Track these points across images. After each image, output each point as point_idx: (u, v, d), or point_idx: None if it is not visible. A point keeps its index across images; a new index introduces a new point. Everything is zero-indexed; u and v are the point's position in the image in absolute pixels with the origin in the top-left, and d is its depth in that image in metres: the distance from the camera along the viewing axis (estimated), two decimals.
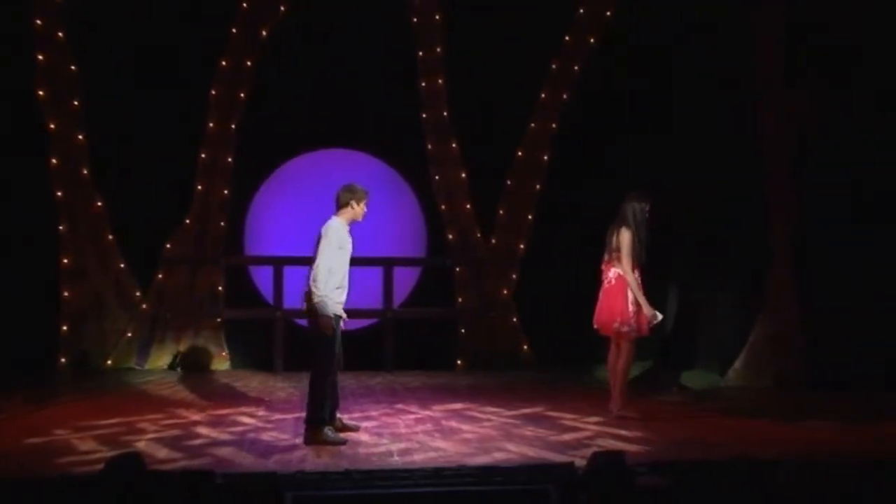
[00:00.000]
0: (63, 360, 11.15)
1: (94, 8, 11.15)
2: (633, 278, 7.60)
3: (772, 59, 9.77)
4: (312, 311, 6.61)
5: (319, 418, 6.57)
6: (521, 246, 12.06)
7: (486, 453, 6.13)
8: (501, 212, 12.05)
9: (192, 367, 11.21)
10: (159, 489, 4.67)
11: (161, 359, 11.37)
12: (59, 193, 11.26)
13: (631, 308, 7.60)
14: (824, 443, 6.57)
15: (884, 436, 6.75)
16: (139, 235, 11.34)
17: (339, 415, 6.99)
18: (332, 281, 6.61)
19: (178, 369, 11.16)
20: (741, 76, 9.99)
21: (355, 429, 7.01)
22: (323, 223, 6.81)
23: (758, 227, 9.79)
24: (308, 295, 6.66)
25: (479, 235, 12.02)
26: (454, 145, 11.94)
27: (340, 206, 6.84)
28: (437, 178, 11.99)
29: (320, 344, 6.64)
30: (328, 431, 6.54)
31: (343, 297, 6.78)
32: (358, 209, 6.85)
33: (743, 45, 9.96)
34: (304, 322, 7.43)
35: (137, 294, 11.43)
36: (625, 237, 7.62)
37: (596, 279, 8.09)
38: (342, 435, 6.69)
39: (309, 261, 6.87)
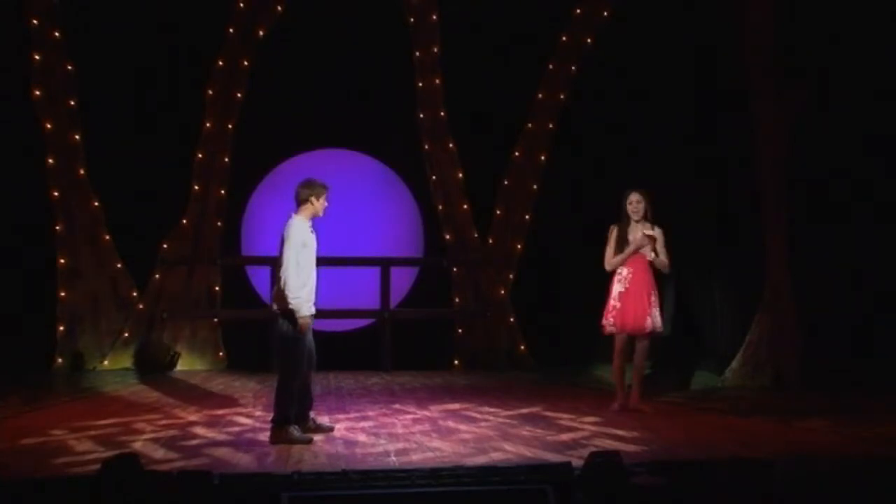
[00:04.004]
0: (59, 360, 11.13)
1: (90, 7, 11.15)
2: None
3: (764, 57, 9.78)
4: (285, 312, 6.61)
5: (285, 418, 6.58)
6: (519, 246, 12.06)
7: (484, 453, 6.12)
8: (499, 212, 12.05)
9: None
10: (156, 490, 4.66)
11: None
12: (56, 193, 11.24)
13: (655, 303, 7.72)
14: (821, 442, 6.57)
15: (881, 436, 6.75)
16: (136, 235, 11.33)
17: (311, 414, 6.96)
18: (299, 280, 6.61)
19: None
20: (735, 74, 10.00)
21: (329, 429, 6.98)
22: (285, 222, 6.80)
23: (755, 226, 9.79)
24: (278, 295, 6.65)
25: (476, 236, 12.02)
26: (451, 145, 11.94)
27: (300, 203, 6.81)
28: (434, 178, 11.99)
29: (291, 345, 6.65)
30: (294, 430, 6.56)
31: (312, 296, 6.76)
32: (318, 205, 6.82)
33: (736, 43, 9.97)
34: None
35: (134, 294, 11.42)
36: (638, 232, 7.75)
37: (592, 279, 8.11)
38: (315, 436, 6.68)
39: (276, 261, 6.87)
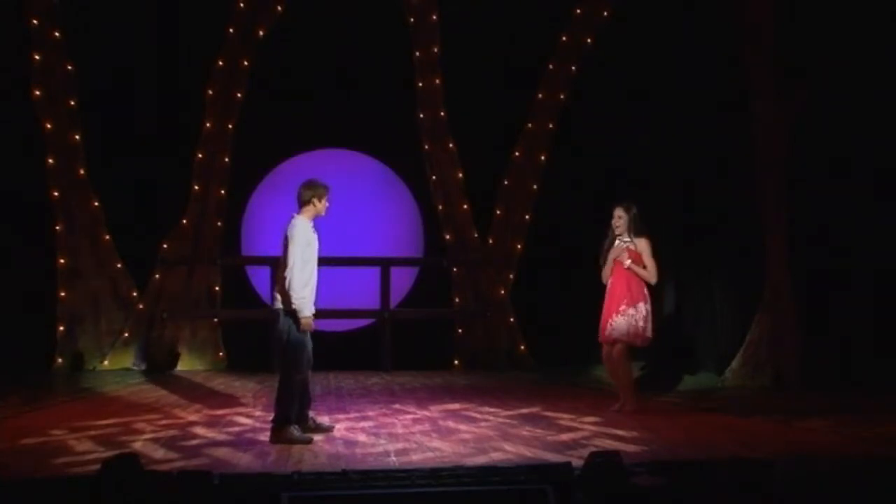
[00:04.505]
0: (59, 360, 11.13)
1: (90, 7, 11.15)
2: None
3: (764, 57, 9.78)
4: (289, 311, 6.62)
5: (286, 417, 6.58)
6: (519, 246, 12.06)
7: (484, 453, 6.12)
8: (499, 212, 12.05)
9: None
10: (156, 490, 4.66)
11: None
12: (56, 193, 11.24)
13: (624, 311, 7.77)
14: (821, 442, 6.57)
15: (881, 436, 6.75)
16: (136, 235, 11.33)
17: (311, 414, 6.96)
18: (303, 278, 6.62)
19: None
20: (735, 74, 10.00)
21: (328, 429, 6.98)
22: (288, 222, 6.80)
23: (754, 227, 9.80)
24: (282, 295, 6.65)
25: (476, 236, 12.02)
26: (451, 145, 11.95)
27: (302, 203, 6.82)
28: (434, 178, 11.99)
29: (294, 345, 6.65)
30: (294, 430, 6.56)
31: (313, 295, 6.76)
32: (320, 206, 6.84)
33: (736, 43, 9.97)
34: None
35: (134, 294, 11.42)
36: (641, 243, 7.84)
37: (592, 280, 8.12)
38: (315, 436, 6.67)
39: (277, 261, 6.88)
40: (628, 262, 7.77)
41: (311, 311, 6.66)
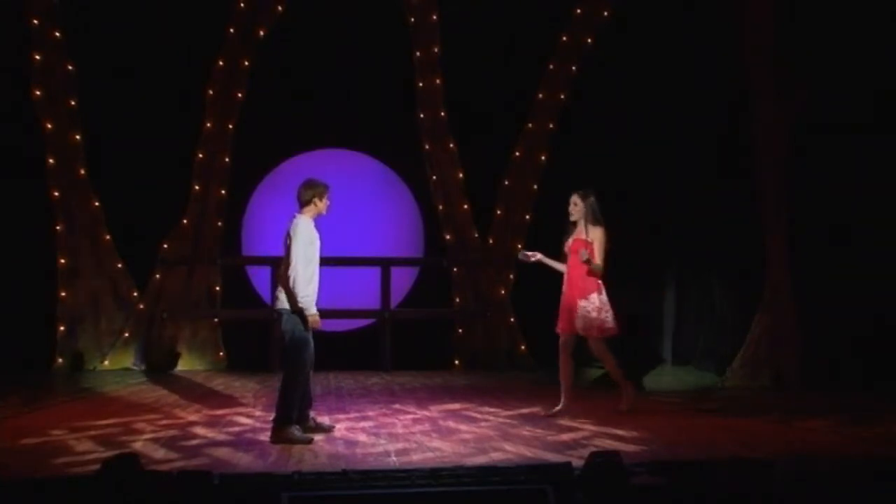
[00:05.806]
0: (59, 360, 11.13)
1: (90, 7, 11.15)
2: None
3: (764, 57, 9.79)
4: (294, 311, 6.62)
5: (288, 417, 6.58)
6: (519, 246, 12.04)
7: (484, 453, 6.12)
8: (499, 212, 12.05)
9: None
10: (156, 490, 4.66)
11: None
12: (56, 193, 11.24)
13: (582, 306, 7.70)
14: (821, 442, 6.58)
15: (881, 436, 6.76)
16: (136, 235, 11.33)
17: (311, 413, 6.96)
18: (306, 276, 6.63)
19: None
20: (735, 74, 10.00)
21: (329, 429, 6.98)
22: (290, 222, 6.80)
23: (754, 227, 9.80)
24: (286, 294, 6.65)
25: (476, 236, 12.02)
26: (451, 145, 11.94)
27: (304, 203, 6.82)
28: (434, 178, 11.99)
29: (298, 344, 6.65)
30: (295, 430, 6.56)
31: (316, 294, 6.76)
32: (321, 204, 6.85)
33: (736, 43, 9.97)
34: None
35: (134, 294, 11.42)
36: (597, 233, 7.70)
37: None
38: (315, 436, 6.67)
39: (277, 261, 6.87)
40: (586, 256, 7.63)
41: (315, 309, 6.67)
